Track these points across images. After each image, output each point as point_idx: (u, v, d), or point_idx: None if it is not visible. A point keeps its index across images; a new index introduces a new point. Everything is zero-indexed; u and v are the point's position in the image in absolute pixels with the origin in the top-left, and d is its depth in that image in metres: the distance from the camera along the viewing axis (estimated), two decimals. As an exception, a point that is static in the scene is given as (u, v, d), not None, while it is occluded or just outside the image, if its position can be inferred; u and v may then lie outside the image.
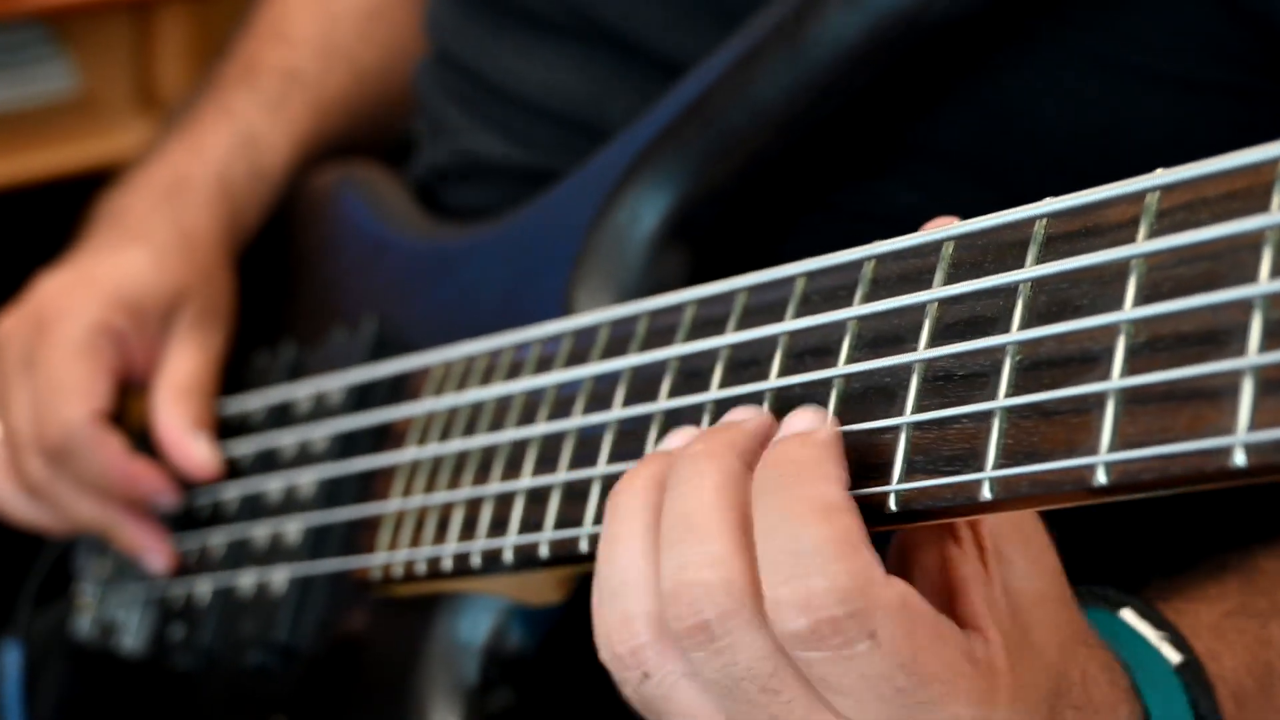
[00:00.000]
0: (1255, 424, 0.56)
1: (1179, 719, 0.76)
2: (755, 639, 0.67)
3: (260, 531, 1.13)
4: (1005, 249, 0.68)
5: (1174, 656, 0.77)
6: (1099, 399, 0.61)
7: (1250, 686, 0.79)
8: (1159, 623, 0.79)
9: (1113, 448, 0.60)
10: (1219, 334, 0.58)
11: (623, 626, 0.71)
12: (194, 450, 1.15)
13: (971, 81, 0.92)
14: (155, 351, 1.19)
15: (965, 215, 0.73)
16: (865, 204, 0.99)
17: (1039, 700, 0.70)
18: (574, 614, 0.96)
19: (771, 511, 0.66)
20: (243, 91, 1.29)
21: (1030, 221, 0.67)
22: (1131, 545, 0.88)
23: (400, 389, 1.06)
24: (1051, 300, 0.65)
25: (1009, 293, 0.67)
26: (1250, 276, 0.58)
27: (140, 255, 1.20)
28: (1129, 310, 0.61)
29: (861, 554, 0.65)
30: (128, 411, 1.23)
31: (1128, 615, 0.79)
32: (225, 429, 1.21)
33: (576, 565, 0.86)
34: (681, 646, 0.69)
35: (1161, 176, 0.63)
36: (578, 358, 0.90)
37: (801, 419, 0.70)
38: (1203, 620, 0.81)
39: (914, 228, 0.75)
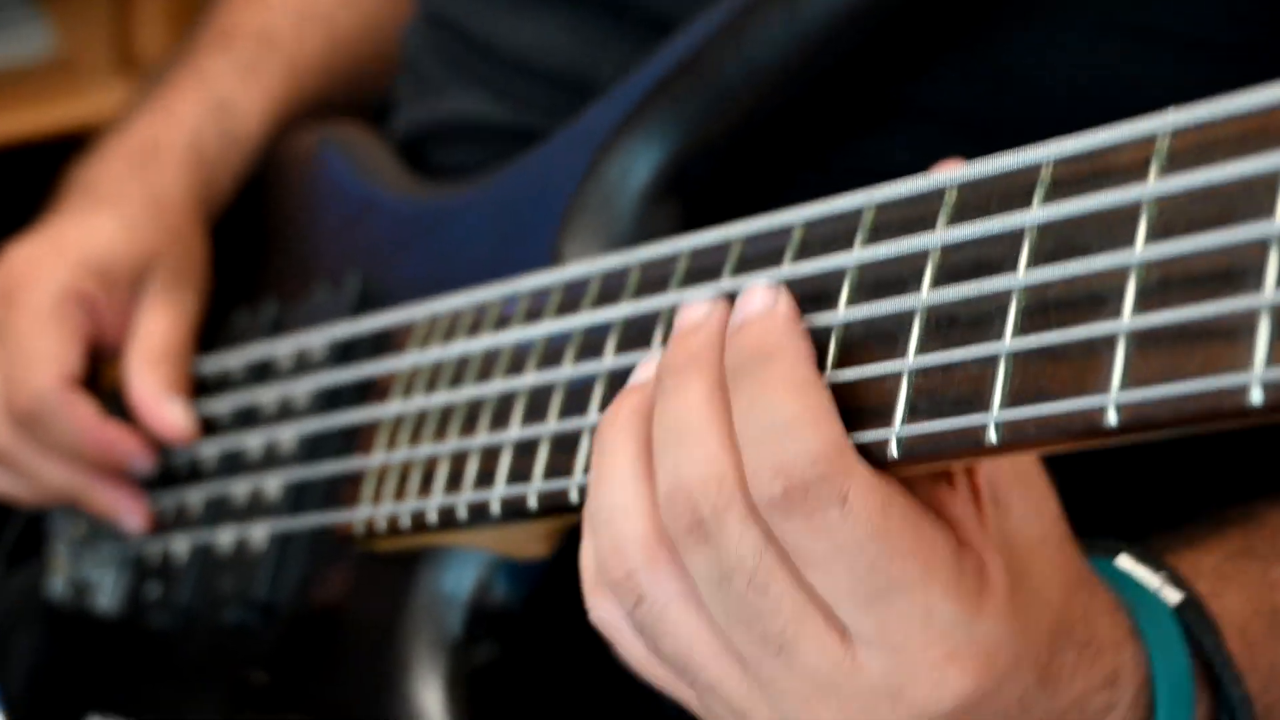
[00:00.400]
0: (1273, 360, 0.55)
1: (1178, 658, 0.76)
2: (745, 531, 0.68)
3: (239, 488, 1.11)
4: (1011, 194, 0.67)
5: (1173, 596, 0.77)
6: (1109, 340, 0.60)
7: (1258, 627, 0.79)
8: (1157, 566, 0.78)
9: (1124, 388, 0.59)
10: (1234, 273, 0.57)
11: (615, 553, 0.72)
12: (167, 414, 1.15)
13: (972, 39, 0.91)
14: (127, 316, 1.18)
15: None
16: (861, 162, 0.98)
17: (1039, 637, 0.70)
18: (560, 569, 0.96)
19: (747, 395, 0.68)
20: (217, 56, 1.28)
21: (1037, 166, 0.66)
22: (1131, 504, 0.88)
23: (384, 343, 1.04)
24: (1059, 244, 0.64)
25: (1015, 237, 0.66)
26: (1267, 214, 0.57)
27: (109, 221, 1.19)
28: (1140, 250, 0.60)
29: (835, 424, 0.67)
30: (102, 378, 1.22)
31: (1124, 561, 0.79)
32: (204, 386, 1.20)
33: (565, 516, 0.85)
34: (680, 550, 0.70)
35: (1173, 117, 0.62)
36: (568, 309, 0.88)
37: (759, 296, 0.71)
38: (1204, 565, 0.80)
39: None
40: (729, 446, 0.69)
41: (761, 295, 0.71)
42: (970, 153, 0.94)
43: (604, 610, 0.77)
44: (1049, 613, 0.71)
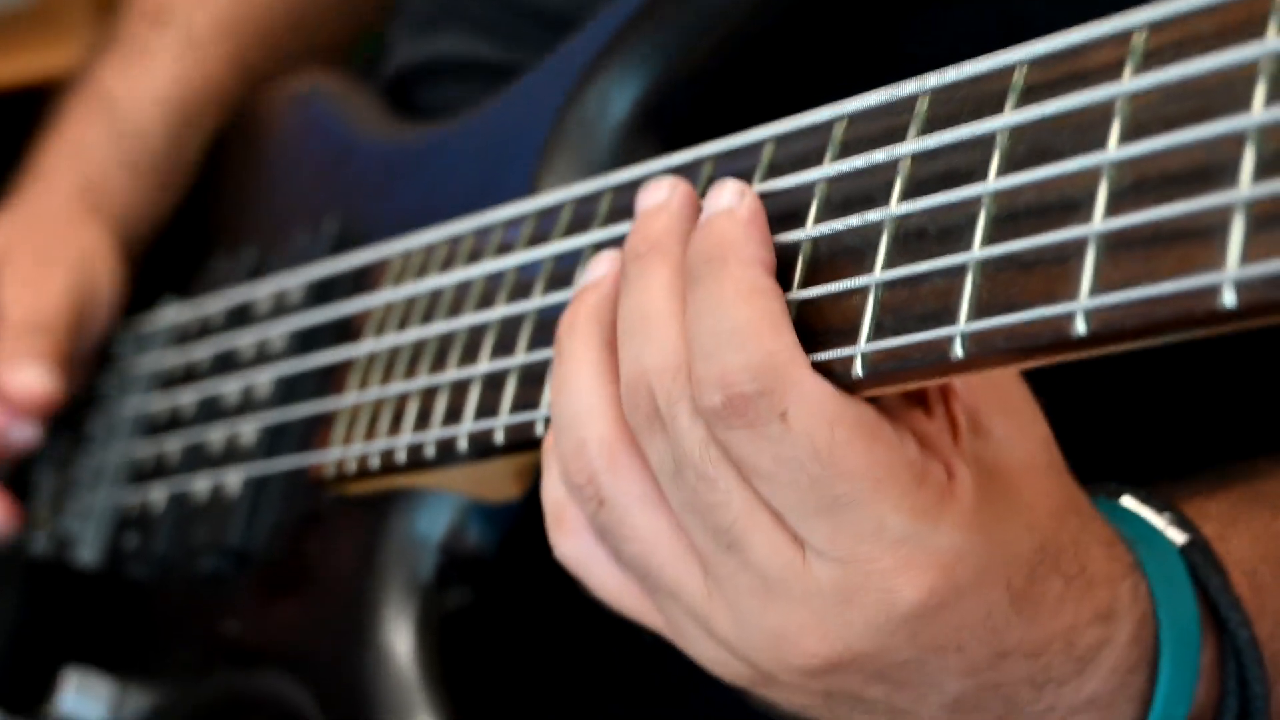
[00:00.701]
0: (1246, 258, 0.51)
1: (1185, 597, 0.72)
2: (693, 424, 0.67)
3: (216, 434, 1.08)
4: (983, 101, 0.64)
5: (1179, 537, 0.74)
6: (1079, 245, 0.57)
7: (1266, 573, 0.75)
8: (1161, 507, 0.75)
9: (1093, 294, 0.56)
10: (1209, 170, 0.54)
11: (577, 455, 0.72)
12: (22, 377, 1.14)
13: None
14: None
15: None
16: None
17: (1015, 558, 0.67)
18: (533, 514, 0.93)
19: (700, 296, 0.66)
20: (110, 53, 1.29)
21: (1009, 70, 0.63)
22: (1134, 458, 0.84)
23: (361, 282, 1.01)
24: (1031, 149, 0.61)
25: (986, 143, 0.62)
26: (1243, 106, 0.53)
27: None
28: (1113, 150, 0.57)
29: (781, 336, 0.65)
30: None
31: (1129, 501, 0.75)
32: (184, 334, 1.17)
33: (532, 452, 0.82)
34: (640, 440, 0.70)
35: (1149, 12, 0.58)
36: (539, 239, 0.85)
37: (724, 194, 0.69)
38: (1210, 509, 0.77)
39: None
40: (686, 339, 0.67)
41: (729, 192, 0.69)
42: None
43: (569, 546, 0.75)
44: (1031, 536, 0.68)
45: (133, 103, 1.25)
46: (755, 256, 0.67)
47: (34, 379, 1.14)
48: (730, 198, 0.68)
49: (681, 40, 0.92)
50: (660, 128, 0.93)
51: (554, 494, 0.75)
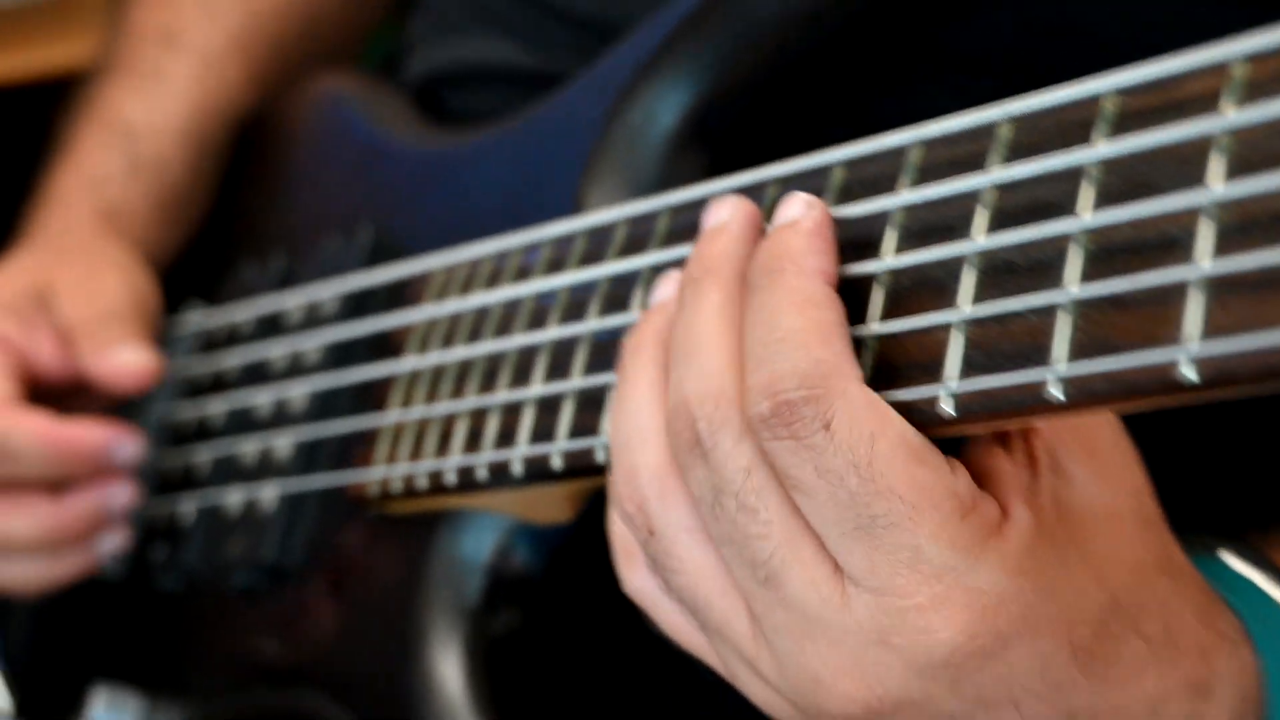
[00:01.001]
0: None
1: None
2: (737, 449, 0.66)
3: (249, 447, 1.07)
4: (1070, 128, 0.62)
5: None
6: (1180, 287, 0.55)
7: None
8: (1265, 564, 0.71)
9: (1203, 338, 0.54)
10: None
11: (629, 481, 0.70)
12: (117, 360, 1.10)
13: None
14: (49, 336, 1.14)
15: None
16: (899, 112, 0.92)
17: (1078, 610, 0.64)
18: (584, 534, 0.91)
19: (755, 306, 0.66)
20: (118, 76, 1.26)
21: (1097, 98, 0.61)
22: (1225, 505, 0.81)
23: (398, 296, 1.00)
24: (1125, 182, 0.59)
25: (1076, 175, 0.61)
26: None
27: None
28: (1217, 188, 0.55)
29: (831, 345, 0.64)
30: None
31: (1228, 558, 0.72)
32: (211, 341, 1.16)
33: (590, 478, 0.80)
34: (682, 469, 0.68)
35: (1247, 43, 0.57)
36: (592, 258, 0.84)
37: (792, 206, 0.68)
38: None
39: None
40: (733, 362, 0.67)
41: (797, 204, 0.68)
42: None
43: (638, 580, 0.74)
44: (1101, 590, 0.65)
45: (151, 133, 1.22)
46: (815, 267, 0.66)
47: (133, 357, 1.11)
48: (798, 208, 0.68)
49: (730, 51, 0.90)
50: (707, 141, 0.92)
51: (620, 525, 0.74)
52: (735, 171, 0.85)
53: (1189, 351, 0.54)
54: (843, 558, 0.64)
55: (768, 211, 0.73)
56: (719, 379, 0.66)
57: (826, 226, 0.67)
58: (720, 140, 0.92)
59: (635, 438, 0.71)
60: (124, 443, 1.10)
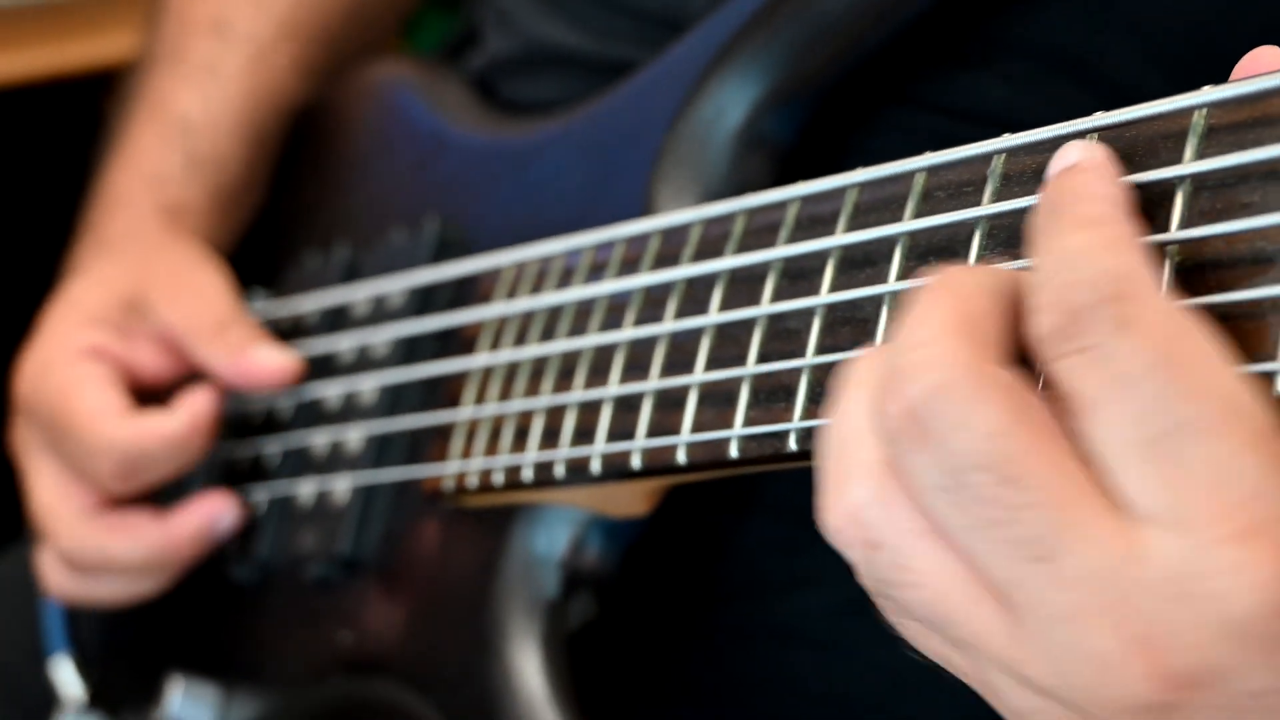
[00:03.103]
0: None
1: None
2: (976, 412, 0.58)
3: (319, 439, 1.08)
4: (1158, 141, 0.63)
5: None
6: (1276, 303, 0.56)
7: None
8: None
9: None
10: None
11: (838, 489, 0.62)
12: (256, 360, 1.10)
13: None
14: (150, 339, 1.15)
15: (1059, 113, 0.68)
16: (953, 98, 0.94)
17: None
18: (659, 527, 0.93)
19: (1036, 247, 0.61)
20: (169, 69, 1.25)
21: (1188, 112, 0.62)
22: None
23: (467, 291, 1.01)
24: (1216, 197, 0.60)
25: (1167, 189, 0.61)
26: None
27: (81, 283, 1.18)
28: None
29: (1120, 254, 0.58)
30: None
31: None
32: (279, 332, 1.16)
33: (668, 477, 0.81)
34: (899, 463, 0.60)
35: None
36: (667, 259, 0.85)
37: (1069, 153, 0.63)
38: None
39: (1005, 124, 0.70)
40: (949, 334, 0.59)
41: (1072, 151, 0.64)
42: (1066, 89, 0.91)
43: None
44: None
45: (208, 127, 1.22)
46: (1098, 193, 0.61)
47: (271, 356, 1.10)
48: (1074, 154, 0.63)
49: (798, 47, 0.91)
50: (775, 138, 0.92)
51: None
52: (801, 165, 0.86)
53: (1285, 367, 0.55)
54: (1135, 485, 0.56)
55: (845, 218, 0.74)
56: (933, 347, 0.59)
57: (1107, 162, 0.62)
58: (788, 139, 0.92)
59: (845, 438, 0.63)
60: (223, 514, 1.11)
